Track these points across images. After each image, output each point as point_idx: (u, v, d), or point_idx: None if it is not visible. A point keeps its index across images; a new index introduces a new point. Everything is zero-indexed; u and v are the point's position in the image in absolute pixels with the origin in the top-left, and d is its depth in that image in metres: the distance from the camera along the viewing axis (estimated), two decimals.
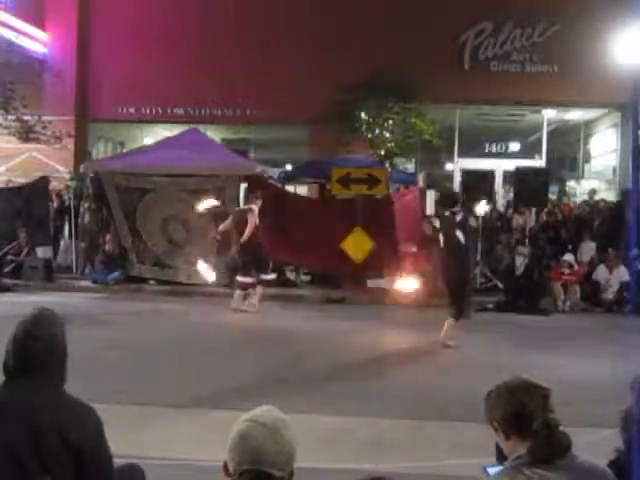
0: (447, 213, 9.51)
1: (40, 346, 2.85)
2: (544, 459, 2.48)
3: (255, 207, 12.19)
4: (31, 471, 2.70)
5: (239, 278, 12.29)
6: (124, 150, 20.65)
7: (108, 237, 15.32)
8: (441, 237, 9.32)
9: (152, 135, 21.31)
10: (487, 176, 16.01)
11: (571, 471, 2.47)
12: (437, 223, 9.78)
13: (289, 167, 18.83)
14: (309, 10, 19.33)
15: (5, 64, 16.07)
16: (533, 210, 15.89)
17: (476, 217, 12.51)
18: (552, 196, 18.05)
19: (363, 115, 18.37)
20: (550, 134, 20.75)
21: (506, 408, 2.59)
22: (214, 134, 19.10)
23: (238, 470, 2.11)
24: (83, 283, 15.08)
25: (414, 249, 12.74)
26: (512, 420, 2.57)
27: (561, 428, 2.54)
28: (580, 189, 20.42)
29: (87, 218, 16.05)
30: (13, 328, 2.92)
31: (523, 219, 15.77)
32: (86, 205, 16.04)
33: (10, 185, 17.10)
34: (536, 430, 2.51)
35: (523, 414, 2.55)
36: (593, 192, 18.07)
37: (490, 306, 13.26)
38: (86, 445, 2.77)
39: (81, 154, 19.98)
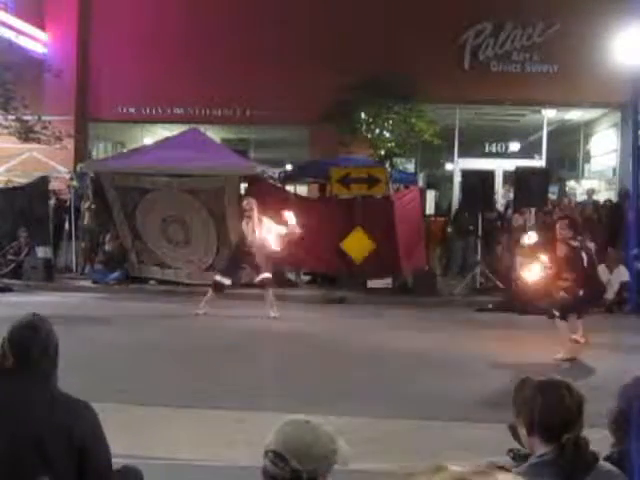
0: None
1: (40, 337, 2.87)
2: (568, 472, 2.46)
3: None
4: (33, 470, 2.71)
5: (260, 277, 11.71)
6: (124, 150, 20.64)
7: (108, 237, 15.31)
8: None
9: (152, 135, 21.29)
10: (487, 176, 16.00)
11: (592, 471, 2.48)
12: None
13: (289, 167, 18.82)
14: (309, 10, 19.32)
15: (5, 64, 16.06)
16: (533, 210, 15.88)
17: None
18: (552, 196, 18.04)
19: (363, 115, 18.36)
20: (550, 134, 20.74)
21: (541, 399, 2.58)
22: (214, 134, 19.08)
23: (266, 449, 2.23)
24: (83, 283, 15.07)
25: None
26: (545, 412, 2.55)
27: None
28: (580, 189, 20.42)
29: (87, 218, 16.05)
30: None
31: (523, 219, 15.77)
32: (86, 205, 16.04)
33: (10, 185, 17.09)
34: (563, 444, 2.47)
35: (560, 407, 2.55)
36: (592, 192, 18.06)
37: (490, 306, 13.26)
38: (87, 440, 2.80)
39: (81, 154, 19.97)
